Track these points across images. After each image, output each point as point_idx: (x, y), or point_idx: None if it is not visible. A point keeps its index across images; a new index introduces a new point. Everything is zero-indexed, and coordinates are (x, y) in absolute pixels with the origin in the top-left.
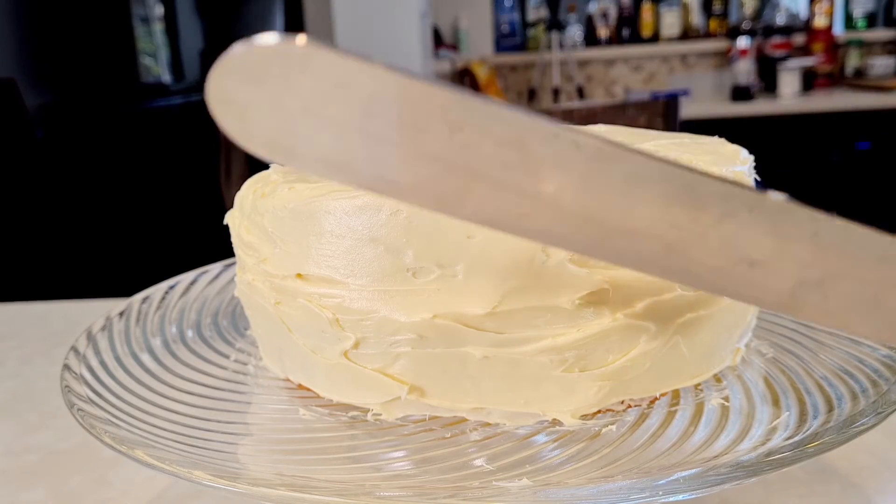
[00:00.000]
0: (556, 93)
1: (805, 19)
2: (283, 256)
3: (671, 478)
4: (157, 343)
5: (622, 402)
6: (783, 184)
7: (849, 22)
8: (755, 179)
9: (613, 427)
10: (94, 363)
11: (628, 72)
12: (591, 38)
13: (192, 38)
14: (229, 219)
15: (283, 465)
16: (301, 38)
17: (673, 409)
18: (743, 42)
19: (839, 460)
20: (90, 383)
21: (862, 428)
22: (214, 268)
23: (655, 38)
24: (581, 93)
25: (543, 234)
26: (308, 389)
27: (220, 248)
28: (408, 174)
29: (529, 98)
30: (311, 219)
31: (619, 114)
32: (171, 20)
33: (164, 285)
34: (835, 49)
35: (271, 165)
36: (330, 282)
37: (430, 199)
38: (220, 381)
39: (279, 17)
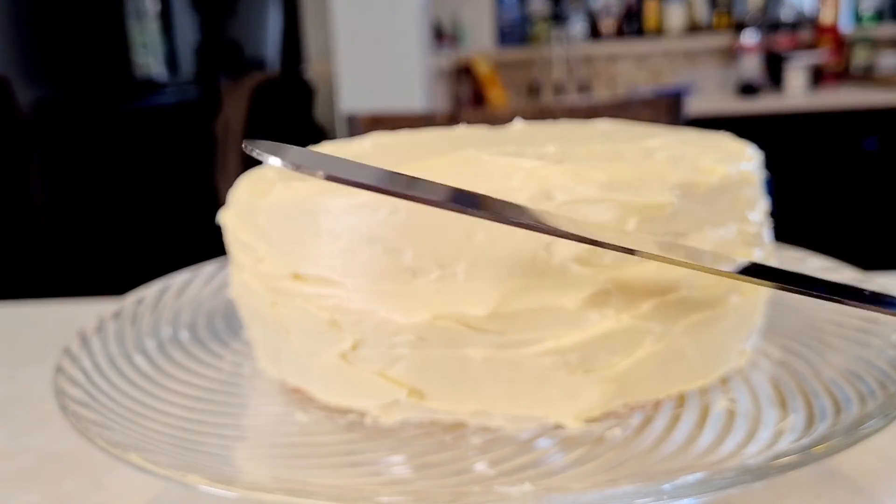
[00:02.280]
0: (558, 89)
1: (812, 15)
2: (279, 256)
3: (677, 482)
4: (151, 345)
5: (627, 406)
6: (790, 180)
7: (857, 18)
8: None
9: (618, 430)
10: (88, 365)
11: (632, 67)
12: (594, 33)
13: (187, 33)
14: (224, 217)
15: (280, 469)
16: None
17: (678, 412)
18: (749, 37)
19: (846, 463)
20: (84, 386)
21: (870, 431)
22: (209, 267)
23: (660, 32)
24: (584, 88)
25: None
26: (305, 392)
27: (215, 245)
28: None
29: (531, 94)
30: (308, 217)
31: (624, 110)
32: (166, 16)
33: (158, 285)
34: (842, 45)
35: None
36: (327, 282)
37: None
38: (216, 384)
39: (276, 11)
